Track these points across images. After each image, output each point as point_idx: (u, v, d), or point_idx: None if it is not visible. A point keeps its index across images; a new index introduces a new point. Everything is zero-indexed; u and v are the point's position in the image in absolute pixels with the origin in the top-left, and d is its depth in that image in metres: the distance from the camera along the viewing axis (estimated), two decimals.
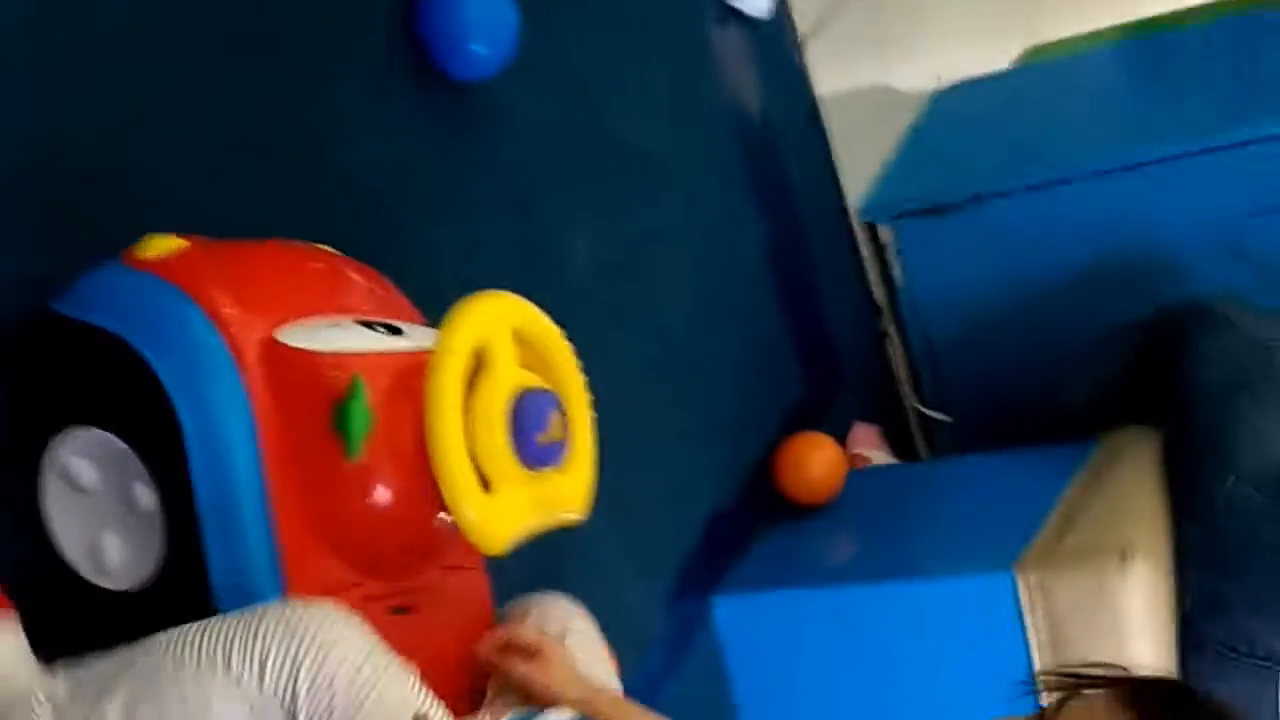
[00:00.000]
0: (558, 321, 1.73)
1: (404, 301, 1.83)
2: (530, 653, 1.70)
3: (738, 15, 3.40)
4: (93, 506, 1.62)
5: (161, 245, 1.63)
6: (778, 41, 3.55)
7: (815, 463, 3.11)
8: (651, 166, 3.00)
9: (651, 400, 2.80)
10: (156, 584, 1.59)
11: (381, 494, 1.60)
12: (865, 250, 3.65)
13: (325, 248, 1.81)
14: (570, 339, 1.74)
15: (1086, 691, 1.40)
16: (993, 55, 3.89)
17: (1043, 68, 3.87)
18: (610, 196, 2.86)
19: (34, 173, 1.75)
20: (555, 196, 2.71)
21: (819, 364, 3.47)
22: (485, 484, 1.58)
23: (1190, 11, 3.77)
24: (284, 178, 2.11)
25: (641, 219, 2.94)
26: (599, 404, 1.77)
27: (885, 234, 3.51)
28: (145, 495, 1.58)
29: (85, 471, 1.62)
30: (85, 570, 1.62)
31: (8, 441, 1.64)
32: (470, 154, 2.52)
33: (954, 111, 3.74)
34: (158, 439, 1.55)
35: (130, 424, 1.58)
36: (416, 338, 1.69)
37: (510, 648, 1.71)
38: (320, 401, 1.57)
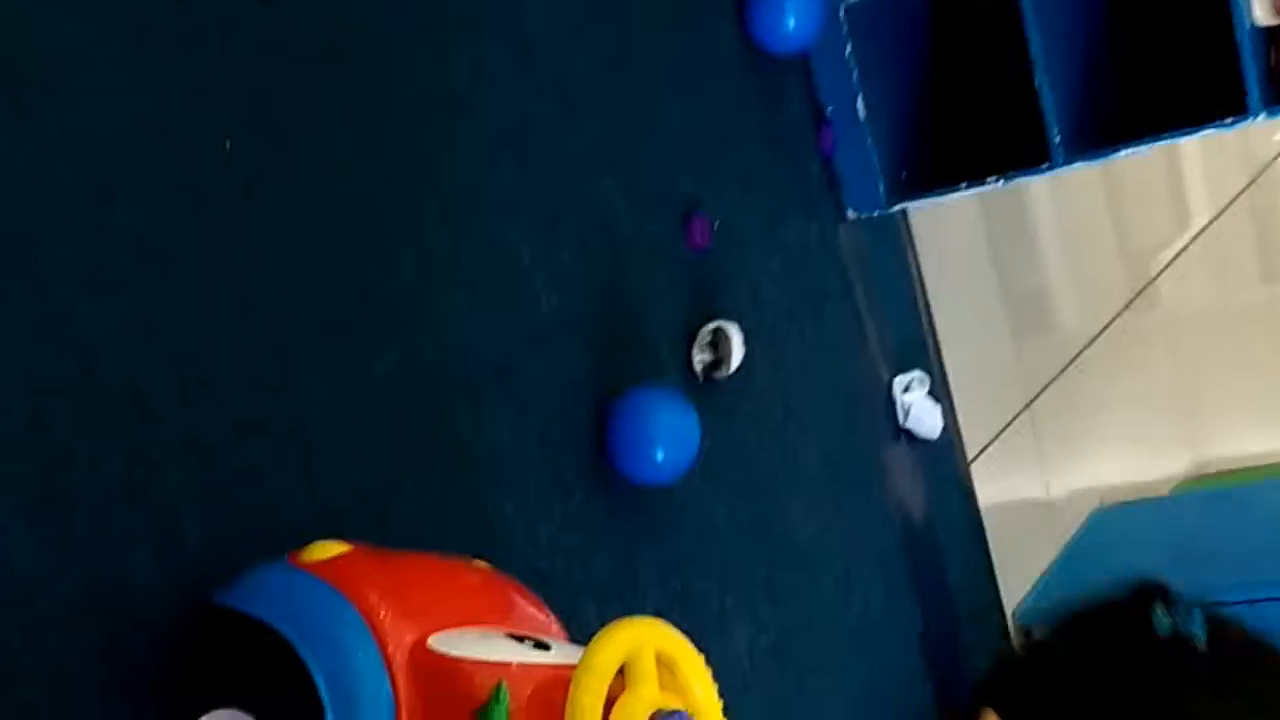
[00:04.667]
0: None
1: (554, 622, 1.87)
2: None
3: (910, 435, 3.60)
4: None
5: (326, 550, 1.75)
6: (946, 459, 3.70)
7: None
8: (814, 563, 3.11)
9: None
10: None
11: None
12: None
13: (481, 563, 1.89)
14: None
15: None
16: (1151, 482, 3.98)
17: (1202, 496, 3.95)
18: (771, 588, 2.96)
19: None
20: (721, 589, 2.82)
21: None
22: None
23: None
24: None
25: (798, 609, 3.03)
26: None
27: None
28: None
29: None
30: None
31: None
32: (644, 549, 2.64)
33: (1113, 530, 3.82)
34: None
35: (276, 715, 1.66)
36: (563, 654, 1.73)
37: None
38: (464, 706, 1.62)
